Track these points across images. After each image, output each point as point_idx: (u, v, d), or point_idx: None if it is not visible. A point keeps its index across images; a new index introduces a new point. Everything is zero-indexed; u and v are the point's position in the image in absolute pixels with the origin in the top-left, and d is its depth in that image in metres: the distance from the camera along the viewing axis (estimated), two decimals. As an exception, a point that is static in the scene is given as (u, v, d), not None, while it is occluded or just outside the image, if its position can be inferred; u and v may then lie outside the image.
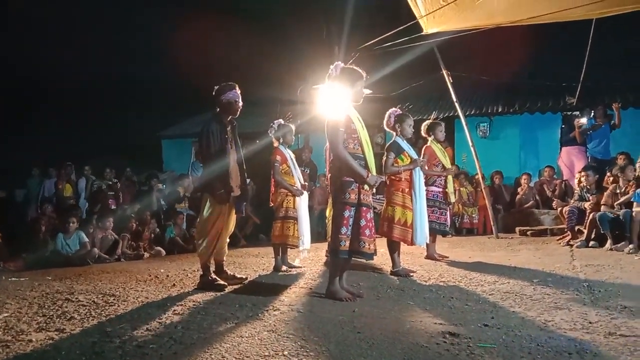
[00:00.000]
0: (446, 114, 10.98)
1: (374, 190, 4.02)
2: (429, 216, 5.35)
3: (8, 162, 12.23)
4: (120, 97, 15.60)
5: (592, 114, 9.48)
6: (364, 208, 3.82)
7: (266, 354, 2.64)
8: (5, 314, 3.64)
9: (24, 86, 14.74)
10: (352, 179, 3.80)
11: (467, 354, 2.61)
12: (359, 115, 3.93)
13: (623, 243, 6.22)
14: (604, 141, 9.21)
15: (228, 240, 4.75)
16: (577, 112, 10.19)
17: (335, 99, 3.91)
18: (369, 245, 3.81)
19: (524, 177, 9.85)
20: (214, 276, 4.56)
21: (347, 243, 3.78)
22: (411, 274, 4.95)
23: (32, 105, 15.16)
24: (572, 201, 7.62)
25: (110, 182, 10.14)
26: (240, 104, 4.60)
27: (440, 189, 5.88)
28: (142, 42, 14.95)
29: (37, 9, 14.74)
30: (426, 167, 5.60)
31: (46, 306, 3.88)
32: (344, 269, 4.02)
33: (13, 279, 5.41)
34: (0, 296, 4.31)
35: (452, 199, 6.11)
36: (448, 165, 5.99)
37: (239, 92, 4.57)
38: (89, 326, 3.27)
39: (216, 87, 4.59)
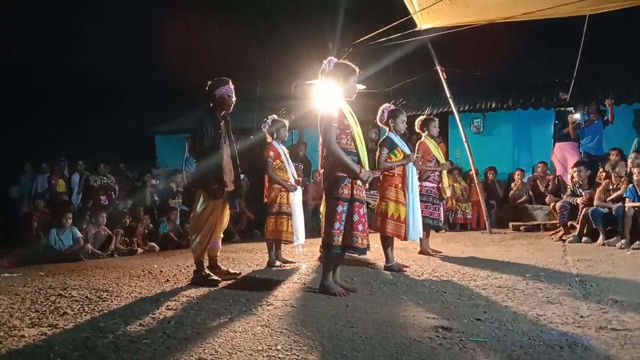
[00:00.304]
0: (440, 110, 10.99)
1: (367, 185, 4.03)
2: (422, 211, 5.36)
3: (5, 160, 12.15)
4: (113, 94, 15.52)
5: (585, 110, 9.53)
6: (357, 203, 3.83)
7: (259, 348, 2.65)
8: (-2, 310, 3.62)
9: (20, 84, 14.68)
10: (345, 174, 3.80)
11: (459, 348, 2.63)
12: (352, 110, 3.93)
13: (615, 238, 6.27)
14: (597, 137, 9.25)
15: (222, 235, 4.74)
16: (571, 108, 10.25)
17: (328, 94, 3.90)
18: (361, 240, 3.82)
19: (517, 172, 9.89)
20: (207, 271, 4.55)
21: (340, 238, 3.79)
22: (404, 269, 4.97)
23: (28, 104, 15.09)
24: (564, 197, 7.66)
25: (105, 178, 10.11)
26: (234, 99, 4.57)
27: (435, 185, 5.89)
28: (135, 39, 14.86)
29: (32, 9, 14.66)
30: (420, 163, 5.61)
31: (39, 302, 3.86)
32: (337, 264, 4.02)
33: (6, 274, 5.38)
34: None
35: (448, 193, 6.13)
36: (442, 160, 6.00)
37: (232, 87, 4.55)
38: (82, 321, 3.26)
39: (209, 82, 4.56)
